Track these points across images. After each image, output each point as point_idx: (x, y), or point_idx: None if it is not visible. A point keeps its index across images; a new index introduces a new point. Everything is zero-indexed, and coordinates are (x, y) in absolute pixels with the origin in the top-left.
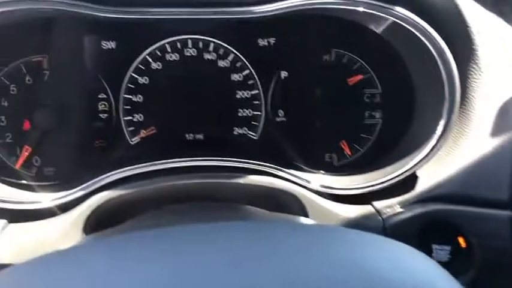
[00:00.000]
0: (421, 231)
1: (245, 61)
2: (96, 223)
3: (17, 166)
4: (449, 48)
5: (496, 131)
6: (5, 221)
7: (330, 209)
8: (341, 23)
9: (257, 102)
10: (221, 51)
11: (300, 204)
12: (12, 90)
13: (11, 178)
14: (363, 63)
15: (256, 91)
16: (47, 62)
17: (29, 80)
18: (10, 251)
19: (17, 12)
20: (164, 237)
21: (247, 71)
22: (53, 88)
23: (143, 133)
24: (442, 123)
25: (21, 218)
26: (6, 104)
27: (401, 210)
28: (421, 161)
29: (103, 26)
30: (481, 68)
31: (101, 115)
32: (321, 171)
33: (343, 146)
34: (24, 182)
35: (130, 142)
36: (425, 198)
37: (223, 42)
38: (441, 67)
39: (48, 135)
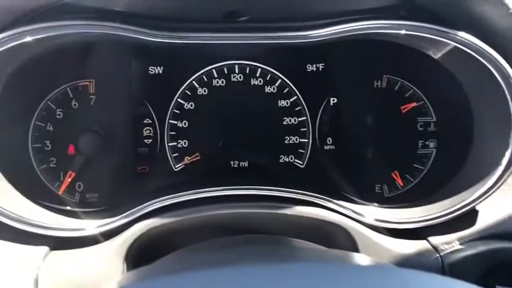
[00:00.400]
0: (484, 271)
1: (293, 87)
2: (138, 251)
3: (60, 192)
4: None
5: None
6: (47, 248)
7: (383, 244)
8: (393, 48)
9: (304, 129)
10: (268, 77)
11: (350, 237)
12: (58, 115)
13: (54, 204)
14: (416, 90)
15: (304, 118)
16: (93, 86)
17: (75, 105)
18: (52, 279)
19: (67, 37)
20: (226, 277)
21: (294, 97)
22: (99, 113)
23: (187, 159)
24: (508, 153)
25: (64, 245)
26: (51, 128)
27: (461, 247)
28: (483, 194)
29: (151, 51)
30: None
31: (145, 141)
32: (373, 204)
33: (394, 176)
34: (67, 208)
35: (174, 169)
36: (488, 235)
37: (271, 67)
38: (506, 92)
39: (92, 160)
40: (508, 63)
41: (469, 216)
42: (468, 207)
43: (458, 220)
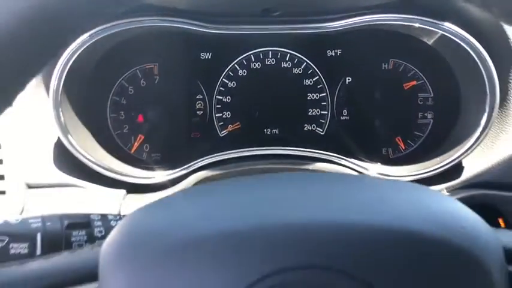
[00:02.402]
0: None
1: (315, 69)
2: None
3: (132, 151)
4: (491, 57)
5: None
6: (124, 191)
7: None
8: (398, 36)
9: (324, 103)
10: (295, 61)
11: None
12: (130, 91)
13: (127, 160)
14: (417, 71)
15: (324, 94)
16: (157, 68)
17: (143, 83)
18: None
19: (140, 29)
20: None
21: (317, 77)
22: (161, 90)
23: (230, 127)
24: (484, 117)
25: (137, 190)
26: (125, 102)
27: (447, 194)
28: (465, 151)
29: (202, 40)
30: None
31: (197, 112)
32: (378, 163)
33: (398, 141)
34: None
35: (220, 134)
36: (469, 184)
37: (298, 53)
38: (484, 73)
39: (156, 127)
40: (485, 49)
41: (456, 170)
42: (454, 163)
43: (447, 173)
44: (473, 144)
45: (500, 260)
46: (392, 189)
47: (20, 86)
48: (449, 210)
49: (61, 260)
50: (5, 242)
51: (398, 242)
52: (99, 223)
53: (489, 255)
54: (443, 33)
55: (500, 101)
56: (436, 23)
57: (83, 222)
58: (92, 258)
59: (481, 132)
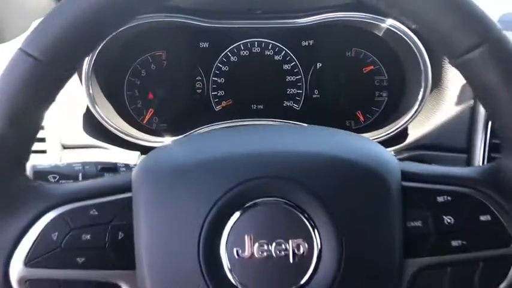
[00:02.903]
0: None
1: (292, 56)
2: None
3: (144, 122)
4: (425, 46)
5: (459, 102)
6: (138, 152)
7: None
8: (358, 29)
9: (300, 84)
10: (276, 49)
11: None
12: (143, 73)
13: (140, 128)
14: (374, 57)
15: (299, 76)
16: (165, 55)
17: (153, 67)
18: None
19: (150, 23)
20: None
21: (293, 63)
22: (168, 72)
23: (223, 103)
24: (421, 92)
25: (148, 152)
26: (138, 82)
27: (394, 154)
28: (407, 120)
29: (201, 32)
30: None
31: (197, 91)
32: None
33: (358, 115)
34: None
35: (215, 109)
36: (412, 147)
37: (278, 43)
38: (419, 59)
39: (163, 102)
40: (421, 41)
41: (402, 136)
42: (400, 129)
43: (395, 138)
44: (413, 114)
45: (398, 178)
46: (327, 132)
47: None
48: (366, 145)
49: (103, 179)
50: (57, 179)
51: (332, 164)
52: (123, 169)
53: (390, 174)
54: (388, 27)
55: (436, 82)
56: (381, 19)
57: (112, 168)
58: (127, 176)
59: (419, 105)
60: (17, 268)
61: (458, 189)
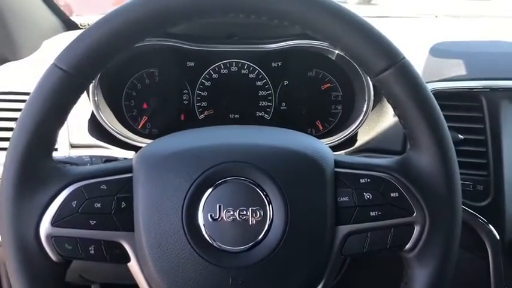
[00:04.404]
0: None
1: (264, 75)
2: None
3: (139, 127)
4: None
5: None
6: (134, 152)
7: None
8: (317, 53)
9: (270, 98)
10: (251, 69)
11: None
12: (138, 87)
13: (136, 132)
14: (331, 77)
15: (270, 91)
16: (157, 72)
17: (147, 82)
18: None
19: (146, 46)
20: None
21: (265, 80)
22: (160, 86)
23: (206, 113)
24: (365, 105)
25: None
26: (134, 94)
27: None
28: (354, 128)
29: (188, 53)
30: None
31: (184, 102)
32: None
33: (318, 124)
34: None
35: (199, 118)
36: (360, 150)
37: (252, 64)
38: (363, 79)
39: (156, 111)
40: (360, 67)
41: (352, 141)
42: (349, 136)
43: (346, 143)
44: (358, 123)
45: (332, 165)
46: (280, 130)
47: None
48: (308, 140)
49: (110, 163)
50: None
51: (282, 153)
52: None
53: (326, 162)
54: (339, 52)
55: (379, 98)
56: (329, 47)
57: (113, 160)
58: (129, 161)
59: (363, 116)
60: (45, 227)
61: (375, 174)
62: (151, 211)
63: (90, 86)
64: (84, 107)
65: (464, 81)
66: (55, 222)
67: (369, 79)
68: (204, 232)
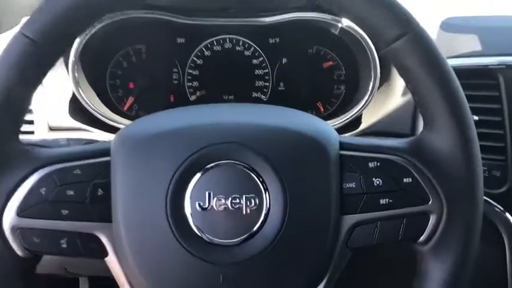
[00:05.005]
0: None
1: (261, 52)
2: None
3: (125, 109)
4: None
5: (404, 94)
6: None
7: None
8: (318, 28)
9: (267, 77)
10: (246, 45)
11: None
12: (124, 65)
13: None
14: (333, 54)
15: (267, 70)
16: (145, 48)
17: (134, 59)
18: None
19: (131, 18)
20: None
21: (261, 58)
22: (147, 64)
23: (198, 94)
24: (371, 83)
25: None
26: (120, 72)
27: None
28: (360, 109)
29: (178, 28)
30: None
31: (173, 81)
32: None
33: (319, 105)
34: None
35: (190, 99)
36: (364, 133)
37: (248, 39)
38: (369, 54)
39: (143, 92)
40: (370, 38)
41: (357, 123)
42: (353, 117)
43: (350, 125)
44: (364, 104)
45: (336, 147)
46: (278, 108)
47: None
48: (311, 119)
49: (86, 145)
50: None
51: (281, 134)
52: None
53: (330, 144)
54: (343, 27)
55: (385, 77)
56: (337, 19)
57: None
58: (107, 143)
59: (369, 95)
60: (9, 218)
61: (386, 157)
62: (132, 199)
63: (70, 62)
64: (64, 86)
65: (480, 58)
66: (21, 211)
67: (376, 55)
68: (191, 223)
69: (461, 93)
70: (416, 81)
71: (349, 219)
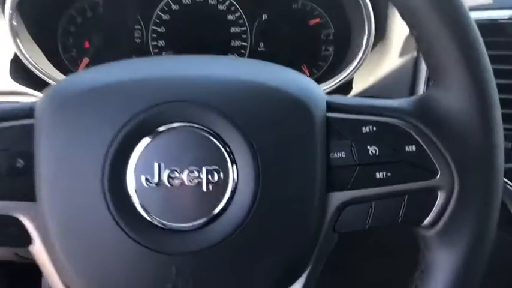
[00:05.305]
0: None
1: (237, 6)
2: None
3: (78, 71)
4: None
5: (402, 53)
6: None
7: None
8: None
9: (245, 36)
10: None
11: None
12: (78, 21)
13: None
14: (321, 10)
15: (244, 28)
16: (102, 1)
17: (90, 14)
18: None
19: None
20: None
21: (238, 13)
22: (106, 20)
23: (164, 54)
24: (363, 44)
25: None
26: (73, 29)
27: None
28: (352, 70)
29: None
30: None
31: (136, 40)
32: None
33: (304, 69)
34: None
35: None
36: (358, 94)
37: None
38: (363, 10)
39: (100, 52)
40: None
41: (348, 87)
42: (345, 79)
43: (341, 89)
44: (357, 64)
45: (323, 108)
46: (251, 61)
47: None
48: (291, 74)
49: (3, 105)
50: None
51: (253, 90)
52: None
53: (315, 104)
54: None
55: (380, 35)
56: None
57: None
58: (31, 103)
59: (363, 53)
60: None
61: (383, 119)
62: (60, 172)
63: (6, 13)
64: (5, 44)
65: (490, 11)
66: None
67: (370, 7)
68: (135, 202)
69: (481, 41)
70: (423, 24)
71: (338, 197)
